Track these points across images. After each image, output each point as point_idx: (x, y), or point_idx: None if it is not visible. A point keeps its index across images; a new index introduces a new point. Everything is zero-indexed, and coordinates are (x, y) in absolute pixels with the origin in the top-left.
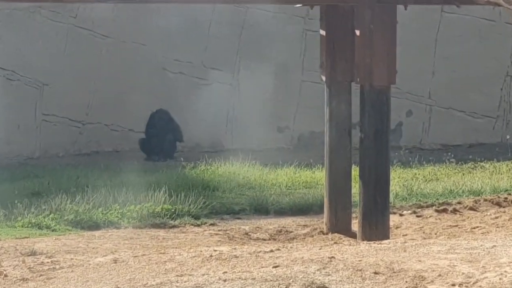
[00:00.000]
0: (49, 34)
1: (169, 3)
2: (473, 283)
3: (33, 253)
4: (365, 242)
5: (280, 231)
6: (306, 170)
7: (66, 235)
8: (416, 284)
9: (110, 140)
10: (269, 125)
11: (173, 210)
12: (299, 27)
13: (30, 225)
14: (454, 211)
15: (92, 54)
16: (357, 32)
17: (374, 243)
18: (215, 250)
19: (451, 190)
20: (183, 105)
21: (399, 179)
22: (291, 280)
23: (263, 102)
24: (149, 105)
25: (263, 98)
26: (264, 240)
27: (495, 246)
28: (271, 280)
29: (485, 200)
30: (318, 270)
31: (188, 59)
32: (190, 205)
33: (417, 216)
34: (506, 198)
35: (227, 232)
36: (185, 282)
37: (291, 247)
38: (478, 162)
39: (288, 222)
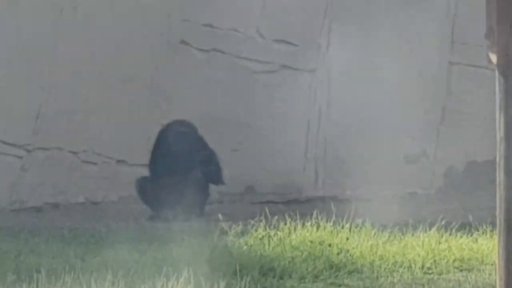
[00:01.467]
0: None
1: None
2: None
3: None
4: None
5: None
6: (461, 236)
7: None
8: None
9: (82, 181)
10: (389, 152)
11: None
12: None
13: None
14: None
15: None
16: None
17: None
18: None
19: None
20: (221, 113)
21: None
22: None
23: (377, 105)
24: (155, 113)
25: (373, 98)
26: None
27: None
28: None
29: None
30: None
31: (228, 24)
32: None
33: None
34: None
35: None
36: None
37: None
38: None
39: None
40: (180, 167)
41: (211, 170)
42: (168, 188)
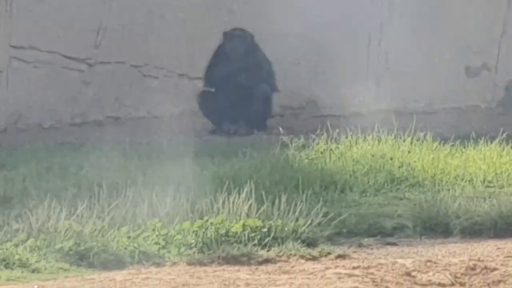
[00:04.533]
0: None
1: None
2: None
3: None
4: None
5: (474, 269)
6: None
7: (58, 281)
8: None
9: (139, 94)
10: (452, 63)
11: (266, 228)
12: None
13: None
14: None
15: None
16: None
17: None
18: None
19: None
20: (282, 27)
21: None
22: None
23: (438, 18)
24: (215, 27)
25: (434, 11)
26: (444, 286)
27: None
28: None
29: None
30: None
31: None
32: (298, 219)
33: None
34: None
35: (372, 271)
36: None
37: None
38: None
39: (488, 250)
40: (244, 77)
41: (270, 79)
42: (229, 102)
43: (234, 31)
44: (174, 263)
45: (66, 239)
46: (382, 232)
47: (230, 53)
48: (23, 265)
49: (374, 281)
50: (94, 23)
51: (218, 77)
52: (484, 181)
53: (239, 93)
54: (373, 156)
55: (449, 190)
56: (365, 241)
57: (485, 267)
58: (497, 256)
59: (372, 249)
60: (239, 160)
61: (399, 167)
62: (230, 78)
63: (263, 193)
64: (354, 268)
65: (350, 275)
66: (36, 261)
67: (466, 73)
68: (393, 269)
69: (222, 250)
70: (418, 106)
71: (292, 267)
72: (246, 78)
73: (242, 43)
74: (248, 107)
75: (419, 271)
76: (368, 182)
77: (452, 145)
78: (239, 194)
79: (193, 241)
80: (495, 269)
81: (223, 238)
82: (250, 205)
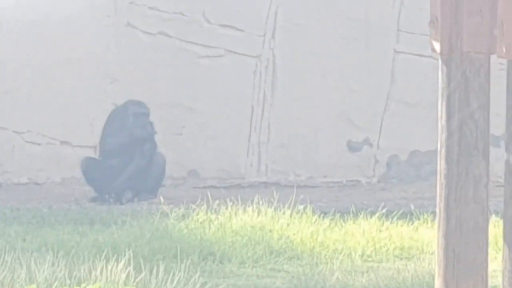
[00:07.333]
0: None
1: None
2: None
3: None
4: None
5: None
6: (402, 225)
7: None
8: None
9: (24, 160)
10: (334, 137)
11: None
12: None
13: None
14: None
15: None
16: None
17: None
18: None
19: None
20: (166, 97)
21: None
22: None
23: (322, 92)
24: (101, 95)
25: (317, 85)
26: None
27: None
28: None
29: None
30: None
31: (174, 7)
32: None
33: None
34: None
35: None
36: None
37: None
38: None
39: None
40: (130, 149)
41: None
42: (114, 170)
43: (129, 104)
44: None
45: None
46: None
47: (123, 123)
48: None
49: None
50: None
51: (111, 145)
52: (363, 255)
53: (125, 162)
54: (252, 227)
55: (327, 263)
56: None
57: None
58: None
59: None
60: (118, 228)
61: (278, 239)
62: (122, 146)
63: (142, 261)
64: None
65: None
66: None
67: (348, 147)
68: None
69: None
70: (299, 179)
71: None
72: (138, 146)
73: (138, 115)
74: (142, 175)
75: None
76: (247, 254)
77: (332, 219)
78: (118, 262)
79: None
80: None
81: None
82: (128, 273)
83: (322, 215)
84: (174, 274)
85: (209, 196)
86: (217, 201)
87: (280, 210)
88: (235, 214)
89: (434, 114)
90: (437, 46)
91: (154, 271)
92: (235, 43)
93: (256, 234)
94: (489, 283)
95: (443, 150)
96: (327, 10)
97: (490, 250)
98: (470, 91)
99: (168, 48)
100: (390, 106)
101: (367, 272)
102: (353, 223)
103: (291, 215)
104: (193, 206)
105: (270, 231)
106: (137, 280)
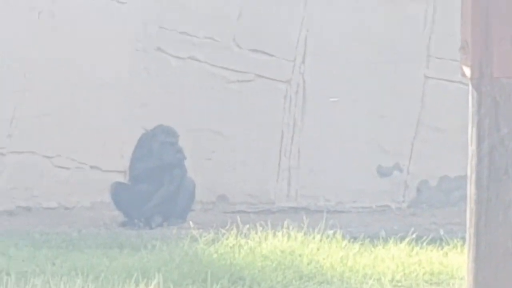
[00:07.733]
0: None
1: None
2: None
3: None
4: None
5: None
6: (431, 250)
7: None
8: None
9: (53, 185)
10: (363, 163)
11: None
12: None
13: None
14: None
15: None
16: None
17: None
18: None
19: None
20: (195, 122)
21: None
22: None
23: (351, 117)
24: (130, 119)
25: (347, 110)
26: None
27: None
28: None
29: None
30: None
31: (204, 32)
32: None
33: None
34: None
35: None
36: None
37: None
38: None
39: None
40: (159, 174)
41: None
42: (143, 195)
43: (159, 130)
44: None
45: None
46: None
47: (153, 148)
48: None
49: None
50: (7, 112)
51: (140, 170)
52: (392, 280)
53: (154, 187)
54: (282, 252)
55: (360, 286)
56: None
57: None
58: None
59: None
60: (148, 253)
61: (308, 264)
62: (152, 172)
63: (171, 286)
64: None
65: None
66: None
67: (377, 172)
68: None
69: None
70: (329, 204)
71: None
72: (167, 171)
73: (168, 141)
74: (171, 200)
75: None
76: (277, 279)
77: (362, 244)
78: (147, 286)
79: None
80: None
81: None
82: None
83: (352, 240)
84: None
85: (239, 221)
86: (247, 226)
87: (310, 235)
88: (265, 238)
89: (464, 140)
90: (467, 71)
91: None
92: (265, 67)
93: (286, 258)
94: None
95: (473, 176)
96: (357, 35)
97: None
98: (500, 117)
99: (198, 72)
100: (420, 131)
101: None
102: (383, 248)
103: (321, 240)
104: (223, 230)
105: (300, 255)
106: None
